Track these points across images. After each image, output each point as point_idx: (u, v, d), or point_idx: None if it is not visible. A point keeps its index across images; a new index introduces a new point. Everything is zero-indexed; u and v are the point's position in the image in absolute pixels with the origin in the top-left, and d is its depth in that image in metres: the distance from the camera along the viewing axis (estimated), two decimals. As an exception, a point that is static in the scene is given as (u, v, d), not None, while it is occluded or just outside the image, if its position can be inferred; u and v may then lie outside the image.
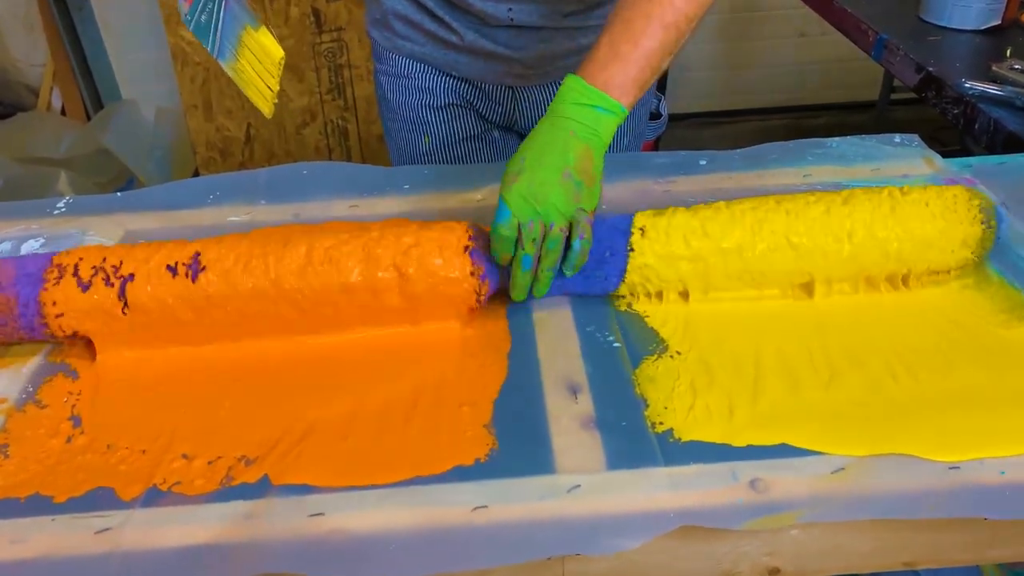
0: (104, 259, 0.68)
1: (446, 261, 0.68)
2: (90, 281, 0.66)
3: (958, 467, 0.55)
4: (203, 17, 0.77)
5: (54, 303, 0.66)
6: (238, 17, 0.76)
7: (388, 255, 0.68)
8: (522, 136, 1.08)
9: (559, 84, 0.99)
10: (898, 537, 0.56)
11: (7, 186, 2.08)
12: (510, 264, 0.69)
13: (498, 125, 1.05)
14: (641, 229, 0.71)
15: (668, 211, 0.72)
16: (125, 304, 0.66)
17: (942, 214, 0.70)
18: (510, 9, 0.91)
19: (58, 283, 0.67)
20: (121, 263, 0.67)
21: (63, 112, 2.43)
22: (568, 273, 0.70)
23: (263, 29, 0.76)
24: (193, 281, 0.66)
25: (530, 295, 0.71)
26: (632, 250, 0.70)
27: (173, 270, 0.67)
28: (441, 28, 0.96)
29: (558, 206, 0.67)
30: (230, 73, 0.75)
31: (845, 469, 0.55)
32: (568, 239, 0.68)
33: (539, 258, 0.68)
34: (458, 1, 0.92)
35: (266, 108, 0.78)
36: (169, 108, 2.41)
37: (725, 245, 0.70)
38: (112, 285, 0.66)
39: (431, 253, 0.68)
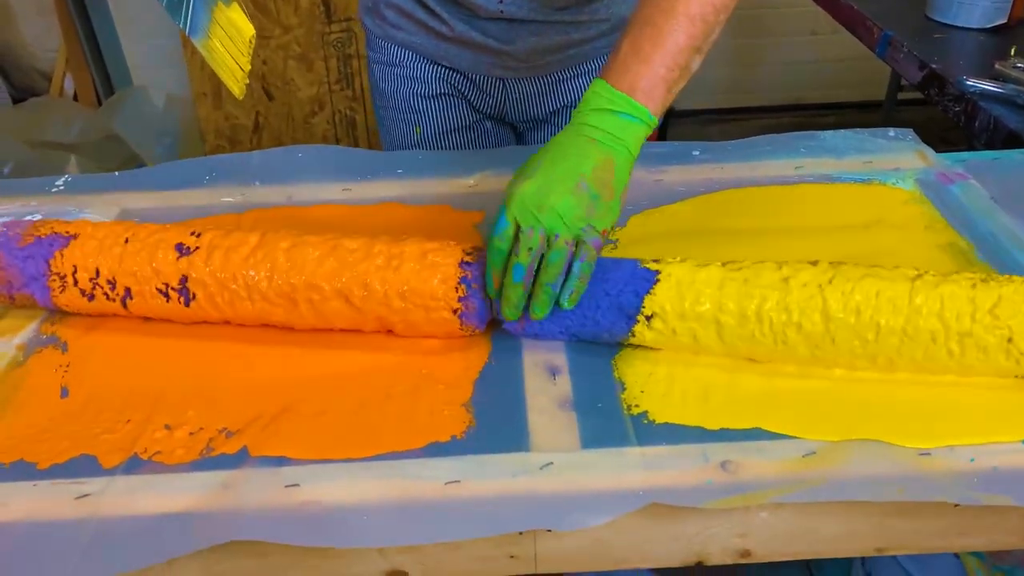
0: (97, 272, 0.68)
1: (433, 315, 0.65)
2: (92, 293, 0.68)
3: (929, 453, 0.55)
4: None
5: (67, 305, 0.70)
6: None
7: (374, 306, 0.65)
8: (514, 127, 1.08)
9: (550, 77, 1.00)
10: (869, 522, 0.56)
11: (17, 169, 2.10)
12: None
13: (489, 116, 1.06)
14: (648, 318, 0.62)
15: (690, 291, 0.62)
16: (128, 308, 0.69)
17: (1021, 359, 0.59)
18: (501, 1, 0.92)
19: (63, 292, 0.69)
20: (115, 279, 0.67)
21: (75, 97, 2.45)
22: (564, 305, 0.62)
23: (234, 5, 0.75)
24: (186, 306, 0.68)
25: (526, 322, 0.64)
26: (633, 336, 0.64)
27: (165, 295, 0.67)
28: (432, 18, 0.96)
29: (564, 216, 0.60)
30: (202, 51, 0.74)
31: (816, 453, 0.56)
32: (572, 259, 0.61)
33: (536, 272, 0.62)
34: None
35: (236, 88, 0.76)
36: (179, 95, 2.43)
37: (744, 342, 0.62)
38: (113, 300, 0.68)
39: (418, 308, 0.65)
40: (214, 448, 0.58)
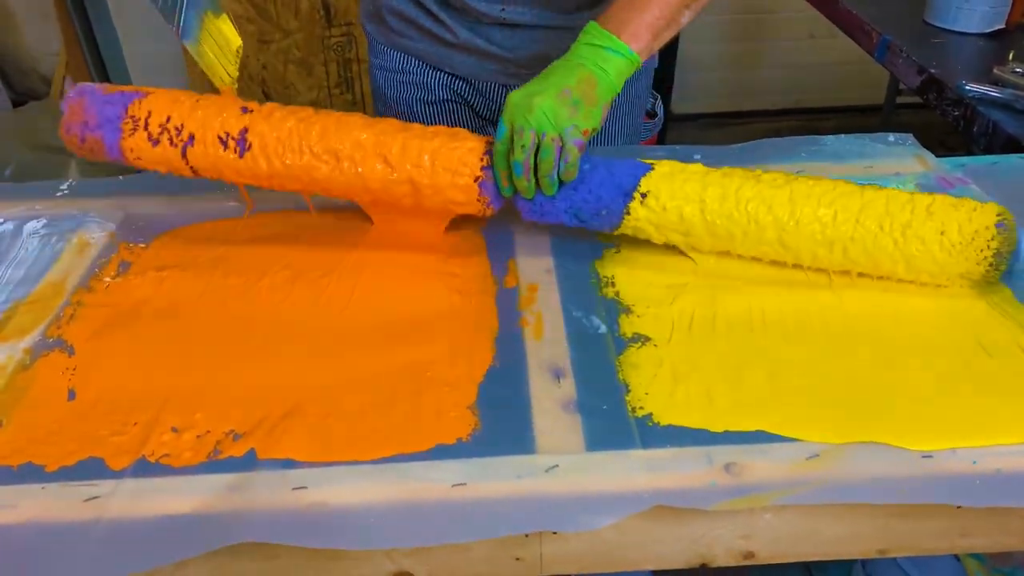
0: (168, 119, 0.76)
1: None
2: (158, 139, 0.76)
3: (931, 456, 0.56)
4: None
5: (131, 150, 0.78)
6: (198, 2, 0.78)
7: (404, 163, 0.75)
8: None
9: None
10: (872, 524, 0.57)
11: (18, 172, 2.11)
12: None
13: (492, 121, 1.06)
14: (643, 195, 0.73)
15: (680, 176, 0.73)
16: (187, 163, 0.77)
17: (951, 251, 0.68)
18: (503, 9, 0.92)
19: (133, 135, 0.77)
20: (183, 126, 0.76)
21: (75, 101, 2.45)
22: (547, 191, 0.73)
23: (224, 16, 0.79)
24: (240, 157, 0.76)
25: (538, 201, 0.74)
26: (628, 214, 0.74)
27: (224, 143, 0.76)
28: (436, 25, 0.97)
29: (548, 116, 0.69)
30: (193, 55, 0.78)
31: (820, 455, 0.56)
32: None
33: (535, 168, 0.71)
34: None
35: (226, 94, 0.80)
36: (179, 99, 2.43)
37: (720, 221, 0.72)
38: (176, 146, 0.76)
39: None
40: (221, 451, 0.58)
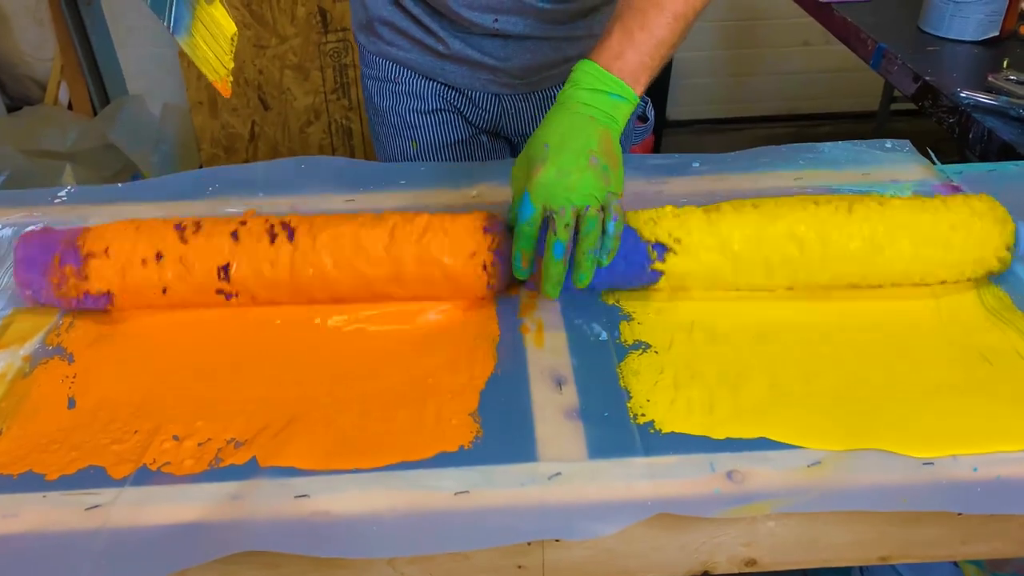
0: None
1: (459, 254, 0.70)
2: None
3: (932, 463, 0.56)
4: None
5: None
6: None
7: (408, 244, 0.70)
8: (510, 141, 1.09)
9: (545, 92, 1.00)
10: (873, 531, 0.57)
11: (13, 178, 2.10)
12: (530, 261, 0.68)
13: (485, 130, 1.06)
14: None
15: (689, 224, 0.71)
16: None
17: (960, 246, 0.70)
18: (495, 20, 0.92)
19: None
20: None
21: (70, 106, 2.45)
22: (605, 261, 0.68)
23: (216, 3, 0.76)
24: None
25: (567, 289, 0.69)
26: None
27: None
28: (427, 36, 0.96)
29: (591, 190, 0.65)
30: (186, 49, 0.75)
31: (821, 463, 0.56)
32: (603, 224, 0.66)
33: (575, 244, 0.66)
34: (444, 9, 0.93)
35: (221, 86, 0.77)
36: (175, 104, 2.43)
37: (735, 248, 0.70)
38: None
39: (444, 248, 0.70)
40: (223, 459, 0.58)
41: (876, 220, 0.70)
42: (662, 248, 0.70)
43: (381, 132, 1.07)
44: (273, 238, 0.70)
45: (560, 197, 0.65)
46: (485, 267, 0.70)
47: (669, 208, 0.72)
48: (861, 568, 1.09)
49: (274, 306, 0.72)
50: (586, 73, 0.69)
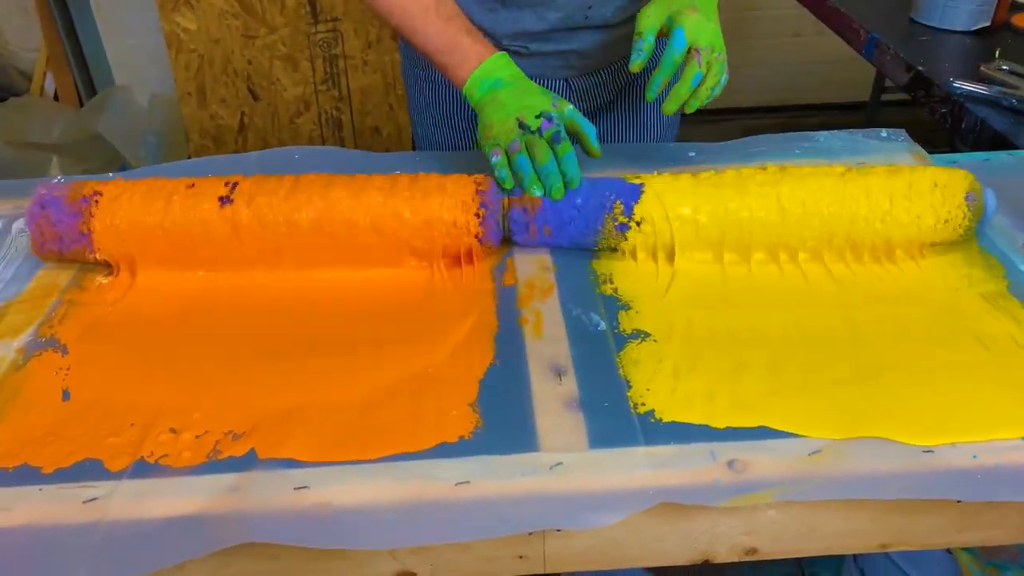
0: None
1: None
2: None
3: (932, 451, 0.56)
4: None
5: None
6: None
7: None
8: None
9: (610, 69, 1.01)
10: (873, 519, 0.57)
11: (-2, 170, 2.08)
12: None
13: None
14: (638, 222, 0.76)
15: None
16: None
17: (920, 195, 0.74)
18: (586, 17, 0.93)
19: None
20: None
21: (56, 97, 2.42)
22: (693, 105, 0.81)
23: None
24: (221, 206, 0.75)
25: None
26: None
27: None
28: (513, 42, 0.96)
29: (719, 39, 0.82)
30: None
31: (822, 451, 0.56)
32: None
33: (699, 82, 0.80)
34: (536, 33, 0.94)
35: None
36: (163, 95, 2.40)
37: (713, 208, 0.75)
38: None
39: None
40: (221, 451, 0.58)
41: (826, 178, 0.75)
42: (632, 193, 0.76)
43: (435, 134, 1.06)
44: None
45: (704, 38, 0.78)
46: (477, 215, 0.74)
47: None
48: (855, 556, 1.09)
49: (267, 268, 0.75)
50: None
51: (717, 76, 0.81)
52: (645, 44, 0.79)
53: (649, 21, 0.80)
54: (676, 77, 0.80)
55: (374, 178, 0.78)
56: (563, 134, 0.78)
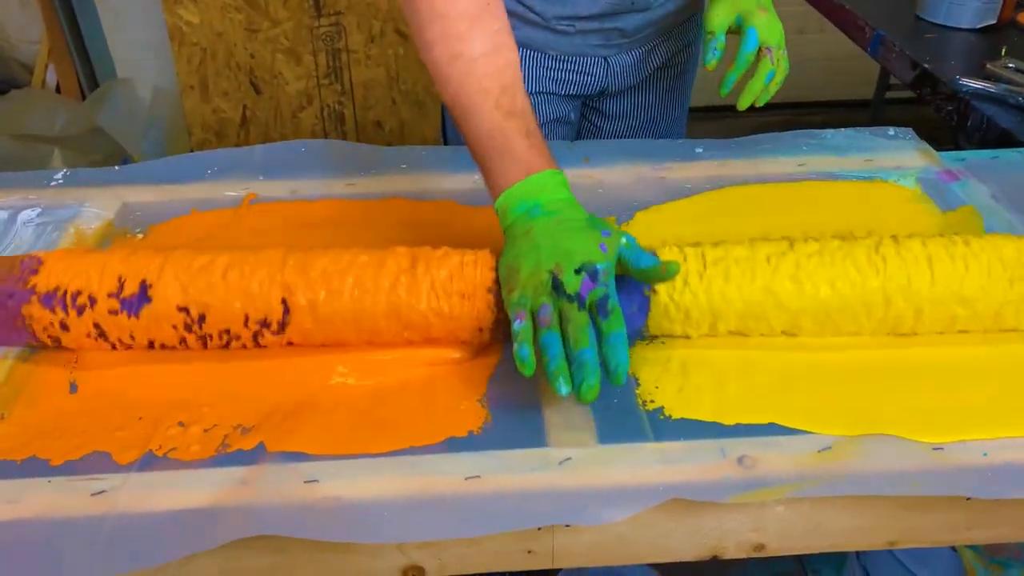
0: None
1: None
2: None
3: (942, 448, 0.56)
4: None
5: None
6: None
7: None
8: (599, 110, 1.10)
9: (647, 44, 1.01)
10: (881, 516, 0.57)
11: (0, 162, 2.08)
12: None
13: (585, 95, 1.06)
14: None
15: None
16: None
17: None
18: (634, 1, 0.94)
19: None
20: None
21: (58, 90, 2.42)
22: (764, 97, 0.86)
23: None
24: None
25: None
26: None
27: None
28: (560, 22, 0.96)
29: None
30: None
31: (832, 448, 0.56)
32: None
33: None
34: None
35: None
36: (165, 88, 2.40)
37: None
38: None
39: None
40: (230, 444, 0.58)
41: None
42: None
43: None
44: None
45: (774, 38, 0.86)
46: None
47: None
48: (858, 553, 1.09)
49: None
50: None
51: (784, 72, 0.86)
52: (719, 43, 0.84)
53: (719, 20, 0.84)
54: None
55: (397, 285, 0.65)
56: (612, 301, 0.58)
